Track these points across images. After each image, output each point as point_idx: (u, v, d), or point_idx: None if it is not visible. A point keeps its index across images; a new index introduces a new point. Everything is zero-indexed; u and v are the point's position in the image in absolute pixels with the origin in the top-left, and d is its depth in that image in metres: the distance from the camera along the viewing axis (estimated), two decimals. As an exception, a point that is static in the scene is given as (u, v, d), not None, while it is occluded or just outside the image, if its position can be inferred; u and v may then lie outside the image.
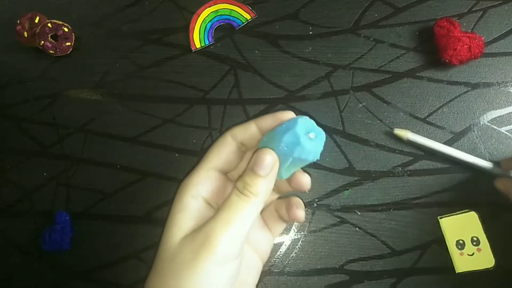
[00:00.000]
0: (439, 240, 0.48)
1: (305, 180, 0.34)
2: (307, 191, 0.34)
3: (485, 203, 0.48)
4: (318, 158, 0.31)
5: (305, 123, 0.31)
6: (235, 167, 0.35)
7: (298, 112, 0.51)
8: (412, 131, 0.50)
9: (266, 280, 0.49)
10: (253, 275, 0.35)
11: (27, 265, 0.51)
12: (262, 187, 0.30)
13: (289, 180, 0.34)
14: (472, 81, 0.51)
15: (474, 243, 0.47)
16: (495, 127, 0.49)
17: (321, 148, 0.31)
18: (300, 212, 0.35)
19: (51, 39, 0.53)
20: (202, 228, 0.29)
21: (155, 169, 0.52)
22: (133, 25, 0.55)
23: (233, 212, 0.29)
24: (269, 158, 0.30)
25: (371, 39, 0.52)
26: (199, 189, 0.32)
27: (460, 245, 0.47)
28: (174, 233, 0.30)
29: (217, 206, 0.32)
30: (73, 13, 0.56)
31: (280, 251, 0.49)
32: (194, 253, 0.28)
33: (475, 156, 0.48)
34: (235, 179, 0.34)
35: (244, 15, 0.54)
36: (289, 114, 0.33)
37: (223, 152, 0.33)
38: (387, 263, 0.48)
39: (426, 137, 0.50)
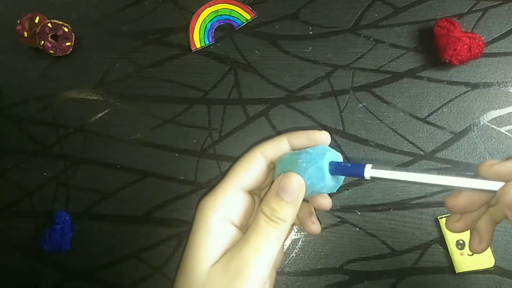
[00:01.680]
0: (439, 240, 0.48)
1: (327, 203, 0.32)
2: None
3: (485, 203, 0.48)
4: (334, 192, 0.30)
5: (332, 156, 0.29)
6: (262, 184, 0.33)
7: (298, 112, 0.51)
8: (412, 131, 0.50)
9: (266, 280, 0.49)
10: (271, 284, 0.34)
11: (27, 265, 0.51)
12: (289, 212, 0.29)
13: (309, 199, 0.33)
14: (472, 81, 0.51)
15: (474, 243, 0.47)
16: (495, 127, 0.49)
17: (341, 183, 0.30)
18: (317, 227, 0.33)
19: (51, 39, 0.53)
20: (233, 255, 0.29)
21: (155, 169, 0.52)
22: (133, 25, 0.55)
23: (263, 239, 0.28)
24: (296, 184, 0.29)
25: (371, 39, 0.52)
26: (226, 211, 0.30)
27: (460, 245, 0.47)
28: (203, 260, 0.29)
29: (241, 226, 0.31)
30: (73, 13, 0.56)
31: (280, 251, 0.49)
32: (228, 281, 0.28)
33: (474, 157, 0.48)
34: (259, 195, 0.33)
35: (244, 15, 0.54)
36: (324, 135, 0.31)
37: (253, 171, 0.31)
38: (387, 263, 0.48)
39: (425, 137, 0.50)
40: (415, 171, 0.27)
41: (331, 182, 0.29)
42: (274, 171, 0.31)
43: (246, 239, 0.29)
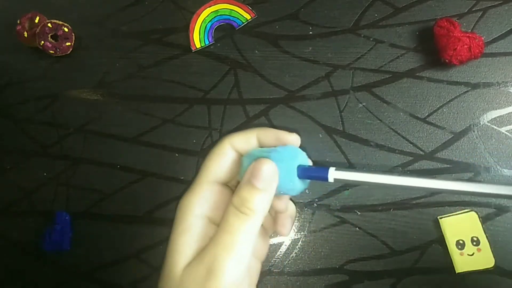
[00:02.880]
0: (439, 240, 0.48)
1: (291, 209, 0.33)
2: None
3: (485, 203, 0.48)
4: (297, 194, 0.29)
5: (302, 159, 0.29)
6: (235, 176, 0.32)
7: (298, 112, 0.51)
8: (412, 131, 0.50)
9: (266, 280, 0.49)
10: (253, 278, 0.33)
11: (27, 265, 0.51)
12: (261, 201, 0.27)
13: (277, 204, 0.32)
14: (472, 81, 0.51)
15: (474, 243, 0.47)
16: (495, 127, 0.49)
17: (307, 187, 0.29)
18: (285, 230, 0.32)
19: (51, 39, 0.53)
20: (203, 255, 0.27)
21: (155, 169, 0.52)
22: (133, 25, 0.55)
23: (233, 234, 0.26)
24: (268, 169, 0.27)
25: (371, 39, 0.52)
26: (202, 207, 0.29)
27: (460, 245, 0.47)
28: (177, 260, 0.28)
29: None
30: (73, 13, 0.56)
31: (280, 251, 0.49)
32: (200, 283, 0.26)
33: (474, 157, 0.48)
34: (234, 187, 0.32)
35: (244, 15, 0.54)
36: (293, 138, 0.30)
37: (223, 163, 0.30)
38: (387, 263, 0.48)
39: (425, 137, 0.50)
40: (378, 172, 0.27)
41: (299, 185, 0.28)
42: (241, 167, 0.30)
43: (215, 236, 0.27)
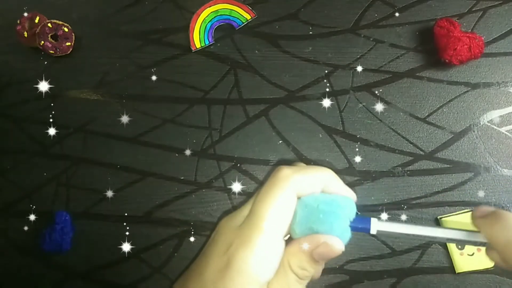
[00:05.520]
0: (439, 240, 0.48)
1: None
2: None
3: (485, 203, 0.48)
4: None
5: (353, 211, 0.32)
6: None
7: (298, 112, 0.51)
8: (412, 131, 0.50)
9: (266, 280, 0.49)
10: None
11: (27, 265, 0.51)
12: (318, 270, 0.31)
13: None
14: (472, 81, 0.51)
15: (474, 243, 0.47)
16: (495, 127, 0.49)
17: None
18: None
19: (51, 39, 0.53)
20: None
21: (155, 169, 0.52)
22: (133, 25, 0.55)
23: None
24: (338, 252, 0.31)
25: (371, 39, 0.52)
26: (269, 271, 0.30)
27: (460, 245, 0.47)
28: None
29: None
30: (73, 13, 0.56)
31: (280, 251, 0.49)
32: None
33: (474, 157, 0.48)
34: None
35: (244, 15, 0.54)
36: (354, 196, 0.33)
37: (290, 215, 0.31)
38: (387, 263, 0.48)
39: (425, 137, 0.50)
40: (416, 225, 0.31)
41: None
42: (296, 214, 0.30)
43: None
